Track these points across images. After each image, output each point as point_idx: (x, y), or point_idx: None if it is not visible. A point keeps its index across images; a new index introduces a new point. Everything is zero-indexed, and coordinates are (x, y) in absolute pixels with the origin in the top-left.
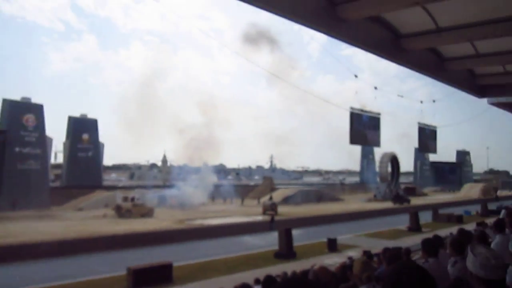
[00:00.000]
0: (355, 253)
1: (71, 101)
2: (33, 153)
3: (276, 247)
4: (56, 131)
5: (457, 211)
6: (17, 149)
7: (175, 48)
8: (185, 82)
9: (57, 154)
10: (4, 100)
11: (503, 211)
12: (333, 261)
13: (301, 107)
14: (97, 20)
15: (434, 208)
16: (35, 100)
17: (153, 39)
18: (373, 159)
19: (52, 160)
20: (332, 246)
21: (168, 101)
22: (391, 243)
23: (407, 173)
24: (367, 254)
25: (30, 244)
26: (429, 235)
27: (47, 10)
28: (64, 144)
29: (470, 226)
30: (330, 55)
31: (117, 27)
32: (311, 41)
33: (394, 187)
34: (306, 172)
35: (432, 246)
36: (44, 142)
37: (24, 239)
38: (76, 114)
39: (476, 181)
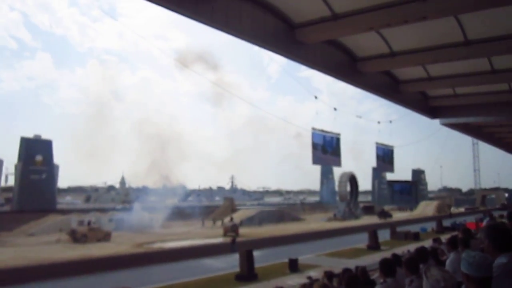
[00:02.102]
0: (316, 273)
1: (24, 121)
2: None
3: (237, 269)
4: (7, 153)
5: (414, 228)
6: None
7: (133, 67)
8: (143, 101)
9: (8, 177)
10: None
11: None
12: (294, 281)
13: (262, 128)
14: (52, 38)
15: (392, 226)
16: None
17: (111, 58)
18: (332, 178)
19: (2, 183)
20: (294, 266)
21: (125, 122)
22: (351, 262)
23: (365, 192)
24: (327, 274)
25: None
26: (388, 253)
27: None
28: (16, 166)
29: (427, 243)
30: (290, 77)
31: (74, 46)
32: (271, 62)
33: (353, 206)
34: (267, 193)
35: (389, 266)
36: None
37: None
38: (29, 134)
39: (431, 198)
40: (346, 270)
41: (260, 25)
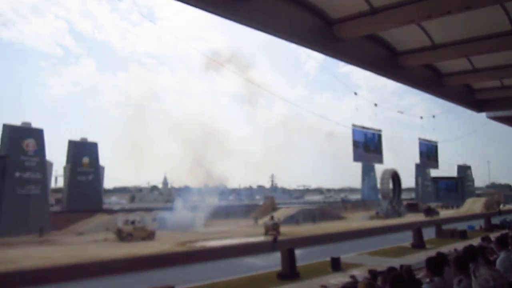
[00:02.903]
0: (359, 272)
1: (71, 124)
2: (33, 178)
3: (278, 267)
4: (57, 155)
5: (461, 226)
6: (17, 174)
7: (173, 69)
8: (182, 102)
9: (58, 178)
10: (5, 126)
11: None
12: (337, 280)
13: (300, 126)
14: (95, 44)
15: (437, 224)
16: (35, 124)
17: (151, 61)
18: (374, 175)
19: (53, 185)
20: (336, 265)
21: (166, 122)
22: (395, 261)
23: (409, 189)
24: (371, 273)
25: (29, 270)
26: (433, 252)
27: (45, 35)
28: (65, 168)
29: (475, 241)
30: (328, 73)
31: (115, 50)
32: (309, 59)
33: (396, 203)
34: (307, 191)
35: (436, 265)
36: (44, 167)
37: (24, 265)
38: (76, 137)
39: (478, 195)
40: (391, 269)
41: (298, 22)
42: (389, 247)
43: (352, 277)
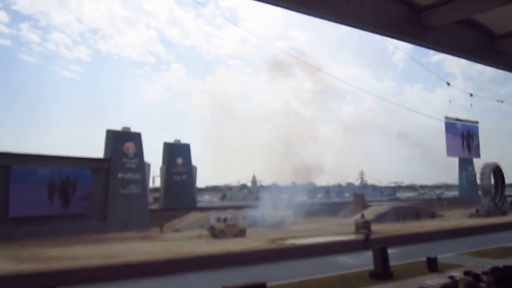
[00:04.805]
0: (458, 273)
1: (164, 127)
2: (134, 179)
3: (370, 266)
4: (153, 157)
5: None
6: (119, 175)
7: (257, 69)
8: (267, 101)
9: (155, 179)
10: (108, 131)
11: None
12: (434, 281)
13: (389, 120)
14: (183, 49)
15: None
16: (133, 129)
17: (236, 63)
18: (473, 170)
19: (151, 184)
20: (432, 265)
21: (253, 122)
22: (499, 262)
23: None
24: (472, 274)
25: (133, 264)
26: None
27: (138, 45)
28: (161, 168)
29: None
30: (417, 64)
31: (202, 54)
32: (396, 50)
33: (500, 200)
34: (399, 188)
35: None
36: (143, 168)
37: (128, 259)
38: (170, 139)
39: None
40: (495, 269)
41: (383, 12)
42: (492, 248)
43: (451, 278)
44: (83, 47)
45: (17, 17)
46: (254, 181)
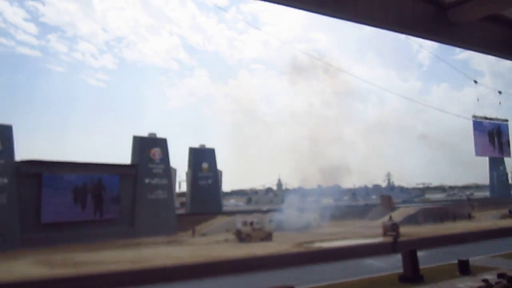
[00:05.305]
0: (492, 276)
1: (189, 132)
2: (161, 184)
3: (399, 269)
4: (179, 162)
5: None
6: (146, 180)
7: (279, 72)
8: (291, 104)
9: (181, 184)
10: (135, 137)
11: None
12: (466, 285)
13: (416, 120)
14: (206, 55)
15: None
16: (159, 134)
17: (259, 67)
18: (504, 170)
19: (177, 189)
20: (464, 268)
21: (277, 125)
22: None
23: None
24: (507, 277)
25: (161, 268)
26: None
27: (162, 52)
28: (187, 173)
29: None
30: (443, 62)
31: (225, 59)
32: (420, 49)
33: None
34: (427, 189)
35: None
36: (169, 173)
37: (155, 264)
38: (195, 144)
39: None
40: None
41: (408, 11)
42: None
43: (485, 281)
44: (108, 56)
45: (45, 29)
46: (279, 184)
